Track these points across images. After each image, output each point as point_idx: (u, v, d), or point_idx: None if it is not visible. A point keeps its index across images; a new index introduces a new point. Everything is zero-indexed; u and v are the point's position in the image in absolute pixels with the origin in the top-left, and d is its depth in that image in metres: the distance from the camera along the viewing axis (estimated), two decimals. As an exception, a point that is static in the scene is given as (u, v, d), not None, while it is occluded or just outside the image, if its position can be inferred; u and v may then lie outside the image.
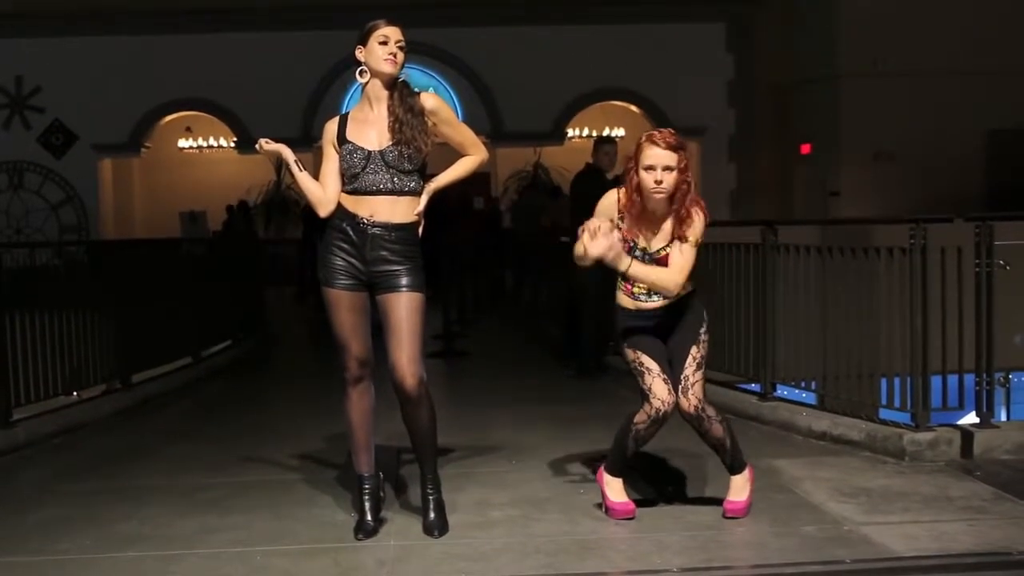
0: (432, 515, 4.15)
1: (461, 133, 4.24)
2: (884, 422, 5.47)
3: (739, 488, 4.29)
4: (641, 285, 4.14)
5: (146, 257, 8.86)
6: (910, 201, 15.53)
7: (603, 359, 8.54)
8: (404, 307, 4.01)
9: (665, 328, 4.22)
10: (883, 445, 5.31)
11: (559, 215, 13.10)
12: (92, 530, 4.36)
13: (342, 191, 4.08)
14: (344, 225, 4.05)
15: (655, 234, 4.12)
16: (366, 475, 4.22)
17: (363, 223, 4.01)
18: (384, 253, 4.02)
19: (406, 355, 3.99)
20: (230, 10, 18.23)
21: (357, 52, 4.04)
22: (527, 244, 14.90)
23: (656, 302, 4.17)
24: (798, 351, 6.15)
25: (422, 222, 4.12)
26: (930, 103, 16.38)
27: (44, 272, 7.53)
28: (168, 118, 19.77)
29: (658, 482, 4.80)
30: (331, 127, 4.13)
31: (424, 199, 4.09)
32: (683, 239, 4.08)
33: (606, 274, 8.39)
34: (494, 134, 19.14)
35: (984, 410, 5.34)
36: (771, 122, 18.79)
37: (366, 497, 4.20)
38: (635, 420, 4.20)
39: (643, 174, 4.03)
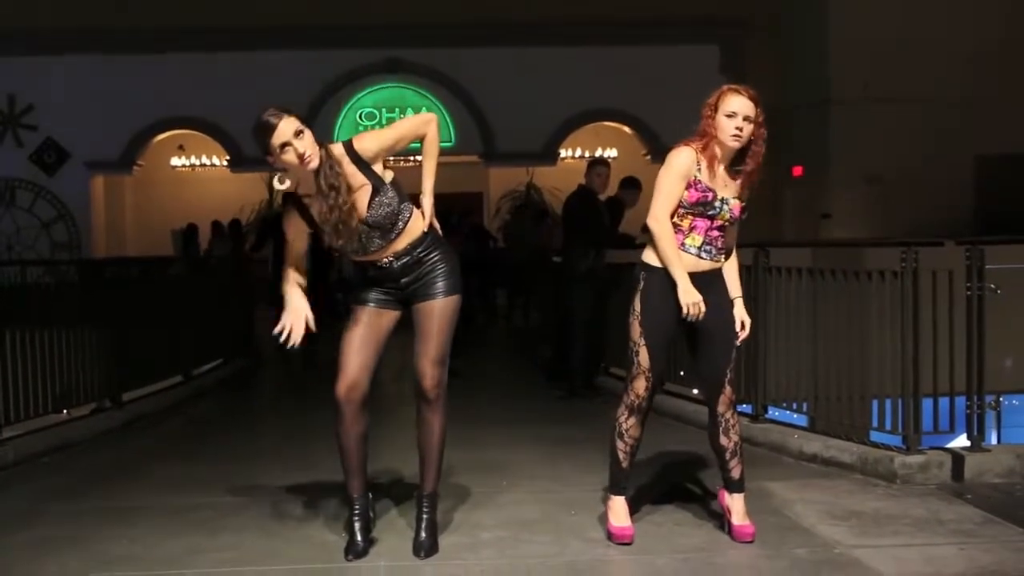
0: (423, 535, 4.14)
1: (400, 134, 4.01)
2: (875, 445, 5.48)
3: (744, 510, 4.29)
4: (697, 237, 4.11)
5: (137, 275, 8.84)
6: (900, 224, 15.60)
7: (594, 380, 8.54)
8: (438, 311, 4.04)
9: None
10: (874, 468, 5.32)
11: (548, 236, 13.16)
12: (80, 550, 4.33)
13: (353, 260, 4.08)
14: (369, 272, 4.07)
15: (726, 183, 4.13)
16: (356, 496, 4.20)
17: (385, 264, 4.02)
18: (417, 270, 4.04)
19: (429, 357, 4.02)
20: (223, 30, 18.24)
21: (269, 158, 3.80)
22: (519, 264, 14.92)
23: (704, 263, 4.14)
24: (789, 373, 6.16)
25: (436, 226, 4.11)
26: (919, 128, 16.46)
27: (35, 290, 7.52)
28: (161, 136, 19.77)
29: (649, 504, 4.79)
30: (291, 211, 3.95)
31: (427, 211, 4.06)
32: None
33: (596, 296, 8.40)
34: (487, 154, 19.21)
35: (975, 433, 5.35)
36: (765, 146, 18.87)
37: (356, 518, 4.18)
38: (616, 416, 4.27)
39: (723, 120, 4.05)
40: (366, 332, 4.06)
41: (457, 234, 13.96)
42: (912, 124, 16.42)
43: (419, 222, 4.05)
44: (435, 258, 4.06)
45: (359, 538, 4.14)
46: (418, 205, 4.08)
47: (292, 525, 4.63)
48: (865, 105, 16.68)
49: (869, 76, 16.54)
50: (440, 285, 4.04)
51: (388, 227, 3.94)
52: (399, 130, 4.04)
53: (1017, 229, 10.99)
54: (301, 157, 3.71)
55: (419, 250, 4.03)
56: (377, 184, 3.89)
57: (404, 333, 4.20)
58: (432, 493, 4.20)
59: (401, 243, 4.01)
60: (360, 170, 3.87)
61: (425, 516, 4.17)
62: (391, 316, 4.11)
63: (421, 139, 4.07)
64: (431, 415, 4.09)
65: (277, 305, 4.03)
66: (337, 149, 3.87)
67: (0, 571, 4.10)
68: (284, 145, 3.71)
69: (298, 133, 3.72)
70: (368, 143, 3.90)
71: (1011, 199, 16.02)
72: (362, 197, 3.88)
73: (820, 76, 17.43)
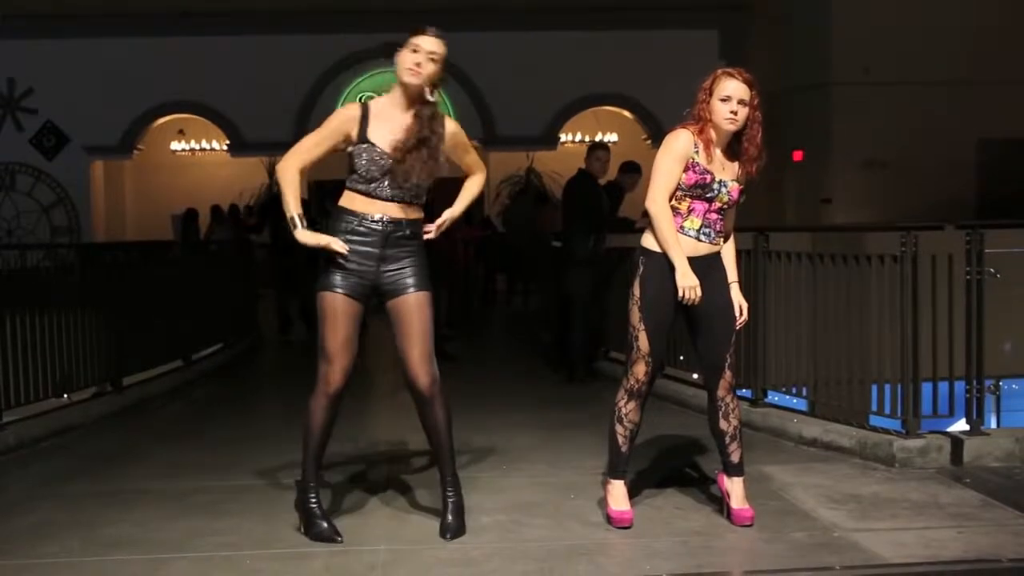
0: (450, 517, 4.18)
1: (472, 156, 4.38)
2: (874, 429, 5.49)
3: (743, 493, 4.30)
4: (695, 220, 4.12)
5: (137, 259, 8.84)
6: (901, 209, 15.57)
7: (594, 364, 8.55)
8: (415, 308, 4.07)
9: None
10: (873, 452, 5.33)
11: (548, 221, 13.16)
12: (80, 533, 4.35)
13: (355, 188, 4.08)
14: (357, 227, 4.06)
15: (723, 166, 4.14)
16: (312, 484, 4.24)
17: (377, 220, 4.04)
18: (397, 250, 4.07)
19: (418, 353, 4.04)
20: (223, 13, 18.20)
21: (397, 54, 4.07)
22: (519, 249, 14.92)
23: (703, 246, 4.15)
24: (789, 357, 6.16)
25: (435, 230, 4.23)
26: (921, 112, 16.43)
27: (35, 274, 7.52)
28: (161, 120, 19.73)
29: (648, 488, 4.80)
30: (351, 115, 4.09)
31: (444, 218, 4.23)
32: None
33: (596, 280, 8.39)
34: (487, 139, 19.15)
35: (974, 417, 5.35)
36: (763, 129, 18.82)
37: (314, 503, 4.21)
38: (616, 400, 4.28)
39: (718, 104, 4.06)
40: (350, 322, 4.07)
41: (473, 227, 14.02)
42: (914, 107, 16.39)
43: (420, 209, 4.16)
44: (414, 247, 4.12)
45: (325, 523, 4.18)
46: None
47: (292, 509, 4.62)
48: (866, 88, 16.63)
49: (870, 59, 16.49)
50: (411, 280, 4.08)
51: (418, 187, 4.06)
52: (472, 155, 4.38)
53: (1019, 213, 10.98)
54: (414, 64, 3.99)
55: (411, 230, 4.10)
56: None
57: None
58: (453, 476, 4.23)
59: (402, 213, 4.07)
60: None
61: (451, 500, 4.20)
62: (359, 308, 4.11)
63: (470, 172, 4.38)
64: (432, 408, 4.10)
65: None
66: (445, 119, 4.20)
67: (1, 555, 4.11)
68: (415, 49, 4.01)
69: (431, 55, 4.01)
70: (453, 128, 4.21)
71: (1013, 183, 16.00)
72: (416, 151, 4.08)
73: (820, 60, 17.37)
